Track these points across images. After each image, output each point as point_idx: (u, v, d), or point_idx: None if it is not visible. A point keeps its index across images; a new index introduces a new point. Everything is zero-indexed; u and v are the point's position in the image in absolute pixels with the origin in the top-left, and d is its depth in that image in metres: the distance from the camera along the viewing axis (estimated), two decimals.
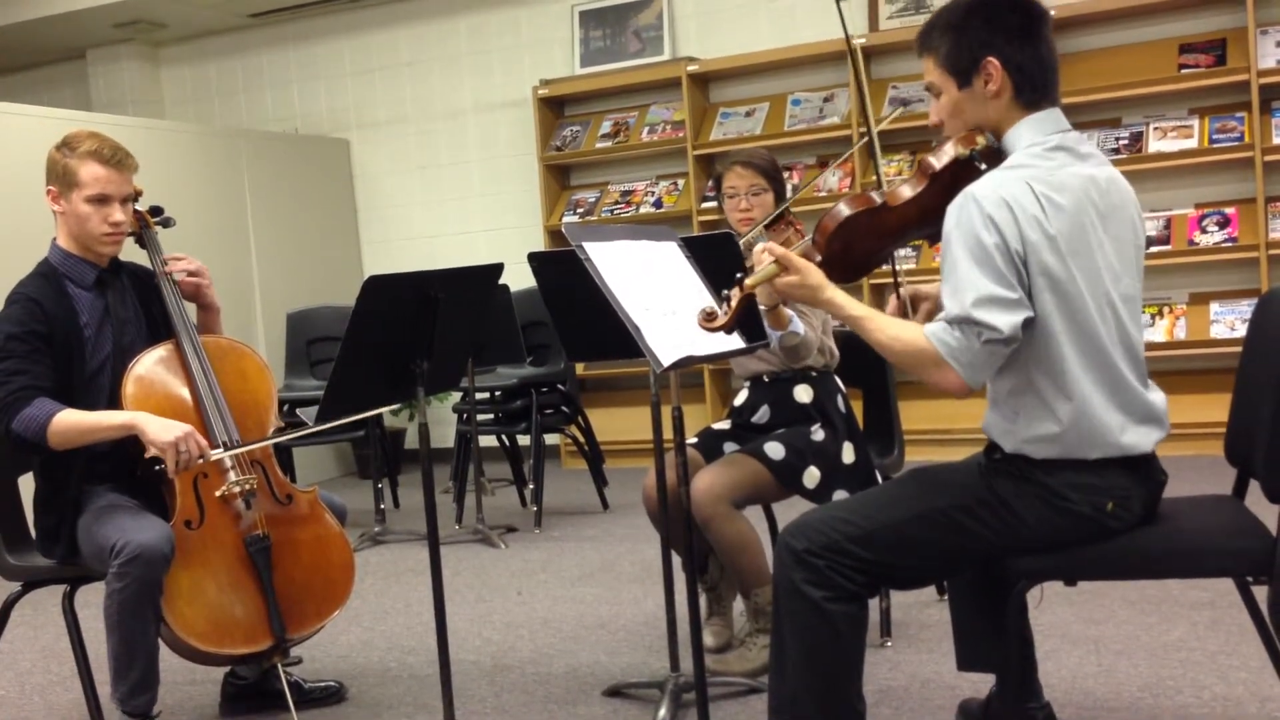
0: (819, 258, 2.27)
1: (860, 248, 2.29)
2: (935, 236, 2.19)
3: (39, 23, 7.61)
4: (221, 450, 2.90)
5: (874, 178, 6.52)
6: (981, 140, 2.22)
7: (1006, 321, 2.06)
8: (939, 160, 2.23)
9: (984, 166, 2.19)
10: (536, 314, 5.18)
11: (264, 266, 7.09)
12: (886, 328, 2.17)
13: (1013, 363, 2.17)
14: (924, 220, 2.26)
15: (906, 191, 2.25)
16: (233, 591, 2.89)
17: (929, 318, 2.42)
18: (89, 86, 8.33)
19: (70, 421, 2.80)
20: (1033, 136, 2.19)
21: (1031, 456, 2.18)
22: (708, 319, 2.25)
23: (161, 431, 2.77)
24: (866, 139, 2.62)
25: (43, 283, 2.95)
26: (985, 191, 2.10)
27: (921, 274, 6.08)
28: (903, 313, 2.40)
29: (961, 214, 2.10)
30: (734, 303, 2.23)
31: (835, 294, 2.22)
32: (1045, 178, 2.13)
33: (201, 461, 2.82)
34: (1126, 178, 2.29)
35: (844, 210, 2.25)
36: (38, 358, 2.85)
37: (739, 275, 2.25)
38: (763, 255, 2.27)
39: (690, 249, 2.65)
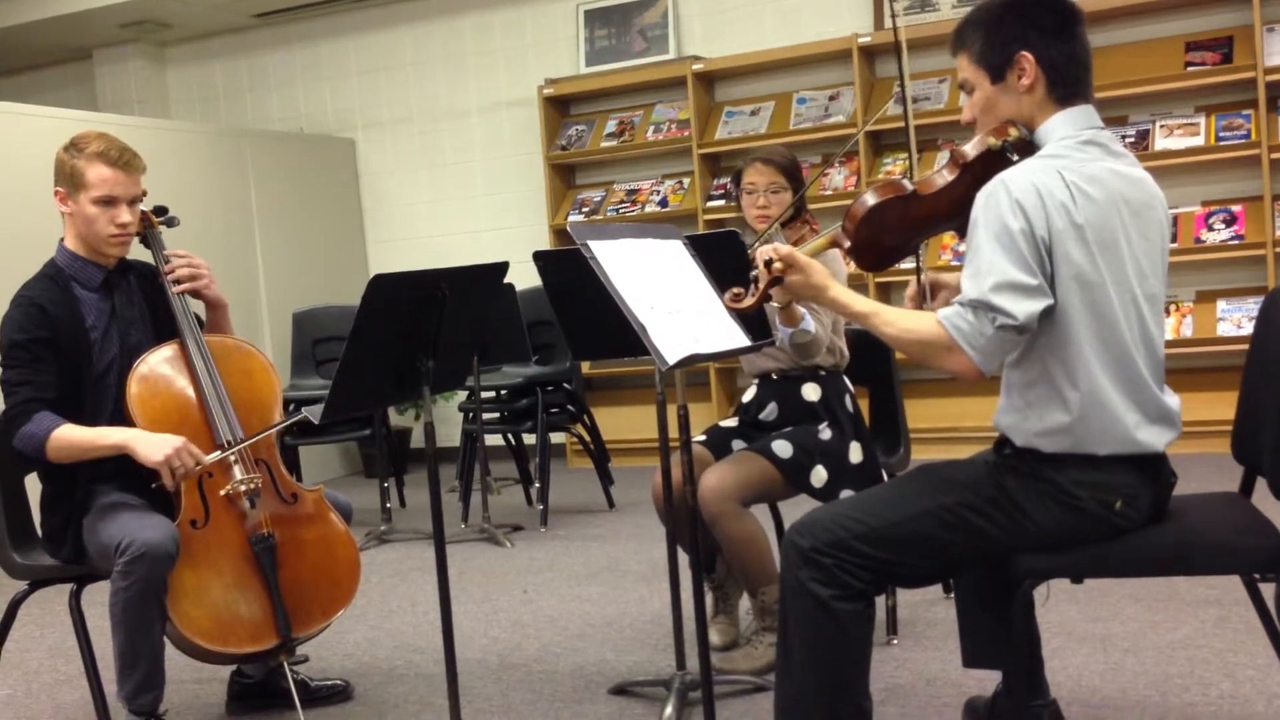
0: (847, 244, 2.28)
1: (888, 236, 2.29)
2: (964, 229, 2.19)
3: (45, 23, 7.63)
4: (218, 452, 2.89)
5: (879, 176, 6.55)
6: (1014, 132, 2.23)
7: (1023, 309, 2.06)
8: (971, 150, 2.24)
9: (1015, 158, 2.20)
10: (542, 313, 5.19)
11: (269, 266, 7.10)
12: (896, 320, 2.17)
13: (1030, 353, 2.17)
14: (953, 211, 2.26)
15: (937, 180, 2.26)
16: (238, 590, 2.89)
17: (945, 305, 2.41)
18: (95, 87, 8.35)
19: (66, 439, 2.82)
20: (1066, 130, 2.20)
21: (1041, 451, 2.18)
22: (734, 299, 2.31)
23: (152, 451, 2.77)
24: (902, 133, 2.62)
25: (48, 284, 2.96)
26: (1015, 178, 2.11)
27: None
28: (921, 297, 2.40)
29: (990, 199, 2.11)
30: (761, 284, 2.25)
31: (840, 292, 2.23)
32: (1077, 168, 2.13)
33: (199, 469, 2.83)
34: None
35: (874, 197, 2.26)
36: (41, 366, 2.86)
37: (767, 259, 2.26)
38: (766, 253, 2.26)
39: (695, 247, 2.64)
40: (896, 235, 2.30)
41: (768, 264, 2.25)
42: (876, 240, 2.28)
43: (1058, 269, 2.10)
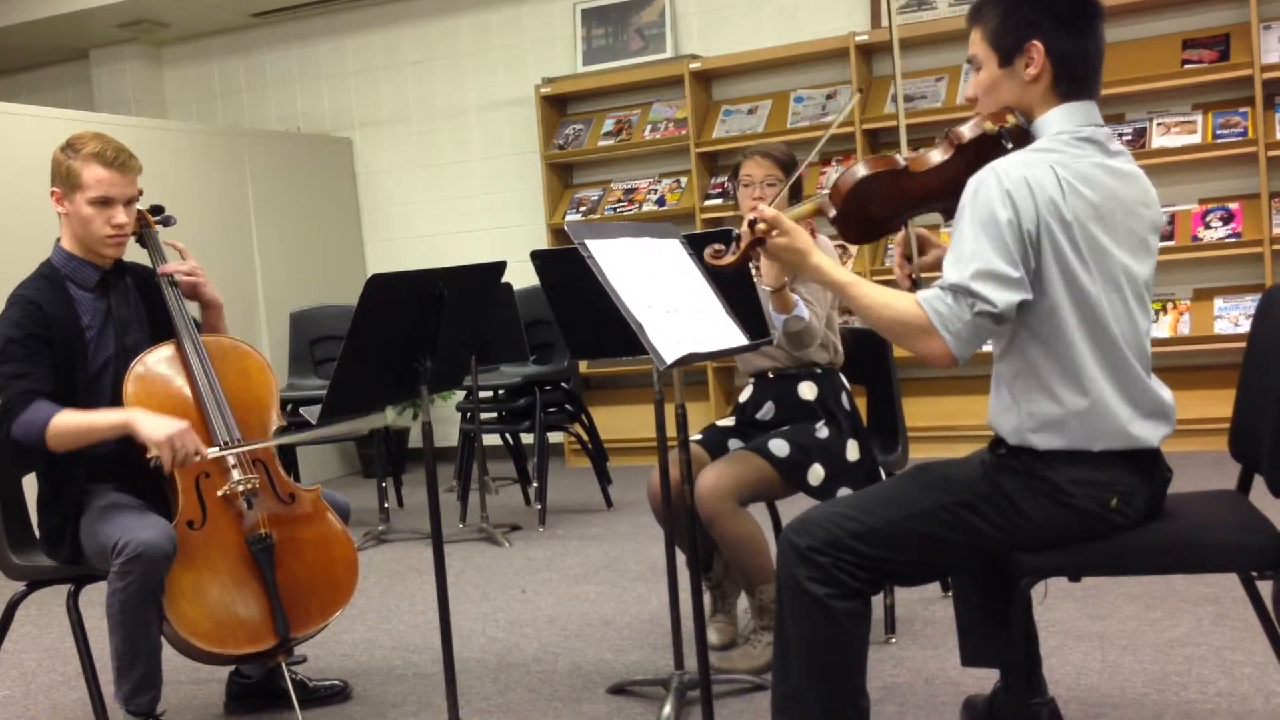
0: (833, 212, 2.27)
1: (875, 209, 2.28)
2: (951, 210, 2.18)
3: (42, 23, 7.62)
4: (218, 449, 2.89)
5: None
6: (1011, 119, 2.22)
7: (1002, 298, 2.06)
8: (968, 132, 2.23)
9: (1010, 146, 2.19)
10: (540, 312, 5.19)
11: (267, 266, 7.10)
12: (873, 293, 2.16)
13: (1019, 346, 2.17)
14: (943, 191, 2.25)
15: (931, 158, 2.25)
16: (236, 591, 2.89)
17: (936, 264, 2.40)
18: (92, 86, 8.34)
19: (66, 423, 2.80)
20: (1063, 124, 2.19)
21: (1036, 448, 2.18)
22: (715, 255, 2.29)
23: (155, 429, 2.76)
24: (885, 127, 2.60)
25: (44, 284, 2.95)
26: (1008, 168, 2.10)
27: None
28: (909, 248, 2.39)
29: (981, 186, 2.10)
30: (743, 243, 2.24)
31: (822, 259, 2.23)
32: (1070, 164, 2.13)
33: (199, 459, 2.82)
34: None
35: (865, 168, 2.25)
36: (36, 360, 2.85)
37: (751, 219, 2.24)
38: (753, 213, 2.25)
39: (692, 246, 2.64)
40: (883, 208, 2.28)
41: (751, 224, 2.23)
42: (863, 212, 2.27)
43: (1045, 264, 2.10)
